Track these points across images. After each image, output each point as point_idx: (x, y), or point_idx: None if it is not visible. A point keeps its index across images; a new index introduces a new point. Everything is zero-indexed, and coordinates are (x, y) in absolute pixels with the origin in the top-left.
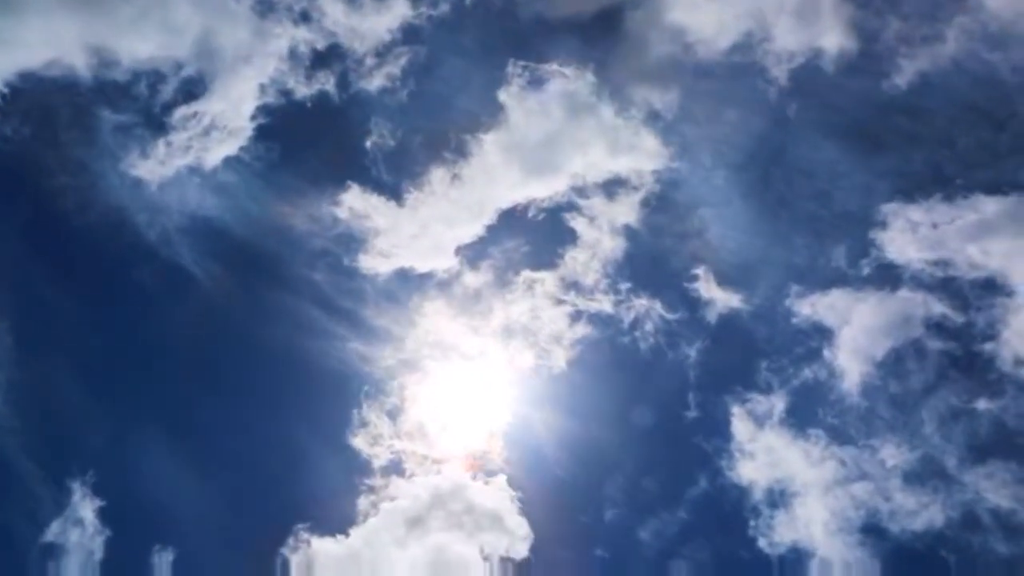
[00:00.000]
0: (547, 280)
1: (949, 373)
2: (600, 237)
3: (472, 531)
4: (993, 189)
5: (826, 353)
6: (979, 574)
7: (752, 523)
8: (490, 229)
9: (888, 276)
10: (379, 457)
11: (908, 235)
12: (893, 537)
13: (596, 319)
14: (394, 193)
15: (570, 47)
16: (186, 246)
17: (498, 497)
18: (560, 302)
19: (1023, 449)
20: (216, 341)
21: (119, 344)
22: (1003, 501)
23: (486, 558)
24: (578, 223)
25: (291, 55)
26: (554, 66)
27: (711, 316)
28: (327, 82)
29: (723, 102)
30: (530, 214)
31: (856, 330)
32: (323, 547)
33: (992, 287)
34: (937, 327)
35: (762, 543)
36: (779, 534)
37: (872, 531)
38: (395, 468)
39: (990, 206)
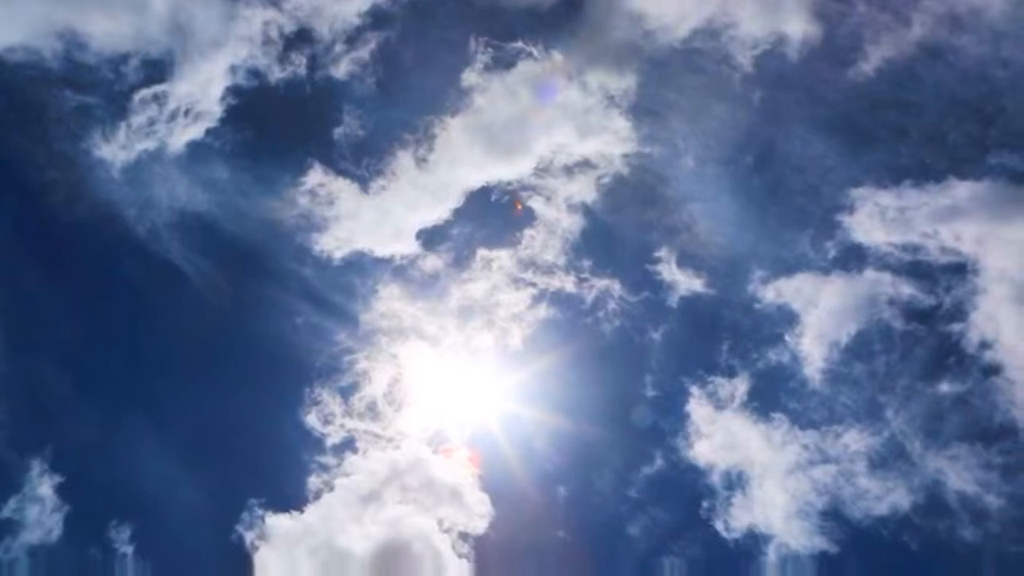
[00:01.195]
0: (506, 260)
1: (914, 357)
2: (562, 218)
3: (430, 507)
4: (964, 174)
5: (790, 337)
6: (944, 560)
7: (706, 504)
8: (454, 212)
9: (854, 259)
10: (334, 435)
11: (876, 219)
12: (855, 522)
13: (556, 299)
14: (358, 176)
15: (537, 30)
16: (146, 224)
17: (458, 473)
18: (519, 282)
19: (988, 433)
20: (173, 319)
21: (70, 314)
22: (968, 486)
23: (445, 531)
24: (540, 205)
25: (261, 37)
26: (519, 44)
27: (673, 298)
28: (296, 65)
29: (690, 87)
30: (493, 197)
31: (821, 314)
32: (278, 523)
33: (960, 270)
34: (903, 311)
35: (719, 525)
36: (737, 517)
37: (833, 516)
38: (351, 446)
39: (961, 191)
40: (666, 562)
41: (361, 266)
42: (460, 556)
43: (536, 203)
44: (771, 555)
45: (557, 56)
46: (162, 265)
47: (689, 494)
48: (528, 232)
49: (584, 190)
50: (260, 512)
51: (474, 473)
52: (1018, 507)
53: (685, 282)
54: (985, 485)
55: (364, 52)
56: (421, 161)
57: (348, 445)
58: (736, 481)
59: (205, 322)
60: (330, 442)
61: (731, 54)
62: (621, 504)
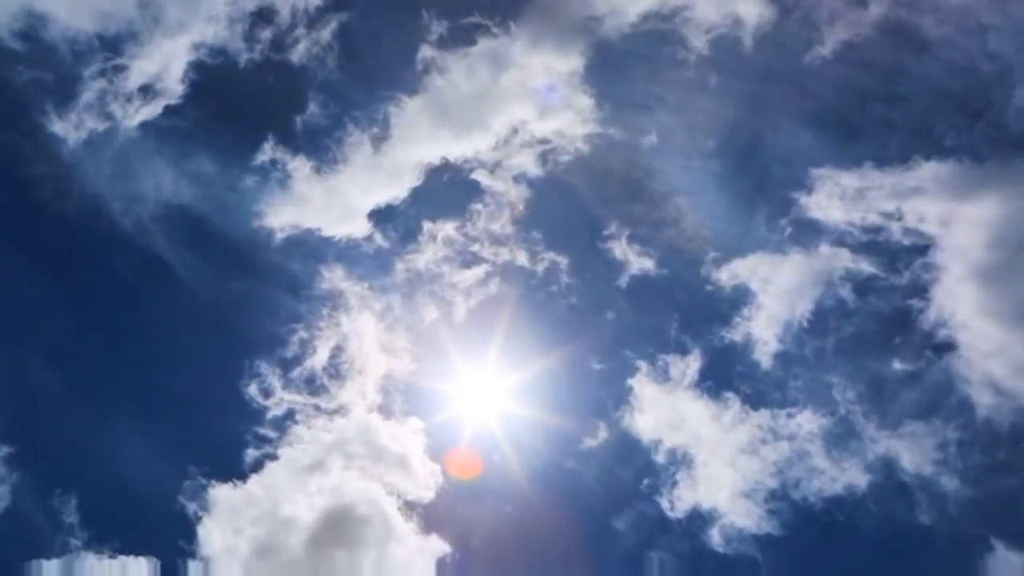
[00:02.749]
0: (456, 235)
1: (869, 337)
2: (515, 194)
3: (377, 475)
4: (927, 154)
5: (743, 316)
6: (898, 541)
7: (648, 481)
8: (407, 190)
9: (810, 238)
10: (278, 406)
11: (834, 199)
12: (806, 503)
13: (506, 273)
14: (313, 155)
15: (496, 7)
16: (101, 199)
17: (405, 442)
18: (469, 256)
19: (943, 412)
20: (119, 293)
21: None
22: (924, 467)
23: (392, 497)
24: (493, 180)
25: (224, 16)
26: (477, 19)
27: (624, 277)
28: (257, 43)
29: (649, 66)
30: (446, 176)
31: (774, 293)
32: (222, 493)
33: (918, 249)
34: (859, 289)
35: (663, 503)
36: (681, 495)
37: (783, 496)
38: (295, 416)
39: (922, 171)
40: (607, 535)
41: (311, 244)
42: (407, 522)
43: (489, 179)
44: (716, 534)
45: (516, 31)
46: (110, 234)
47: (633, 470)
48: (481, 208)
49: (540, 167)
50: (203, 482)
51: (420, 442)
52: (974, 488)
53: (638, 262)
54: (941, 465)
55: (325, 32)
56: (378, 140)
57: (292, 415)
58: (682, 459)
59: (150, 292)
60: (274, 413)
61: (686, 37)
62: (563, 476)
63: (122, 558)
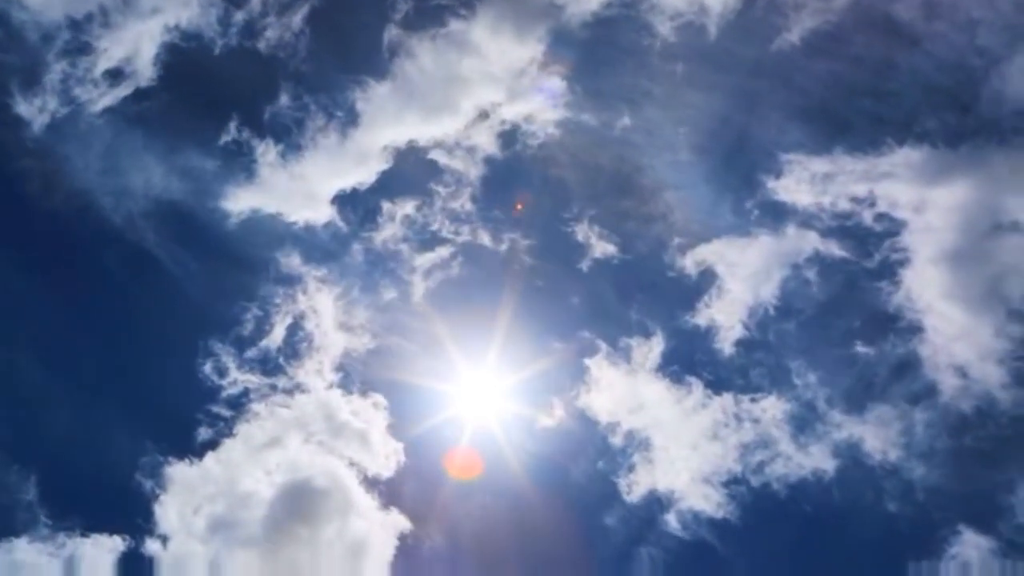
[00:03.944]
0: (419, 216)
1: (835, 321)
2: (480, 176)
3: (337, 451)
4: (900, 140)
5: (708, 300)
6: (863, 526)
7: (603, 463)
8: (372, 172)
9: (777, 222)
10: (236, 384)
11: (803, 184)
12: (769, 489)
13: (468, 253)
14: (282, 140)
15: None
16: (60, 180)
17: (365, 418)
18: (431, 237)
19: (909, 396)
20: (83, 271)
21: None
22: (890, 452)
23: (353, 473)
24: (459, 164)
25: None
26: (443, 0)
27: (587, 260)
28: (229, 28)
29: (616, 52)
30: (413, 160)
31: (740, 277)
32: (179, 470)
33: (886, 234)
34: (824, 274)
35: (620, 486)
36: (639, 479)
37: (744, 482)
38: (253, 394)
39: (894, 156)
40: (562, 512)
41: (273, 228)
42: (368, 496)
43: (454, 161)
44: (673, 521)
45: (481, 13)
46: (82, 214)
47: (589, 451)
48: (444, 189)
49: (506, 151)
50: (160, 459)
51: (382, 418)
52: (941, 473)
53: (602, 246)
54: (906, 449)
55: (296, 17)
56: (346, 124)
57: (250, 393)
58: (640, 442)
59: (112, 272)
60: (231, 391)
61: (651, 23)
62: (520, 454)
63: (95, 536)
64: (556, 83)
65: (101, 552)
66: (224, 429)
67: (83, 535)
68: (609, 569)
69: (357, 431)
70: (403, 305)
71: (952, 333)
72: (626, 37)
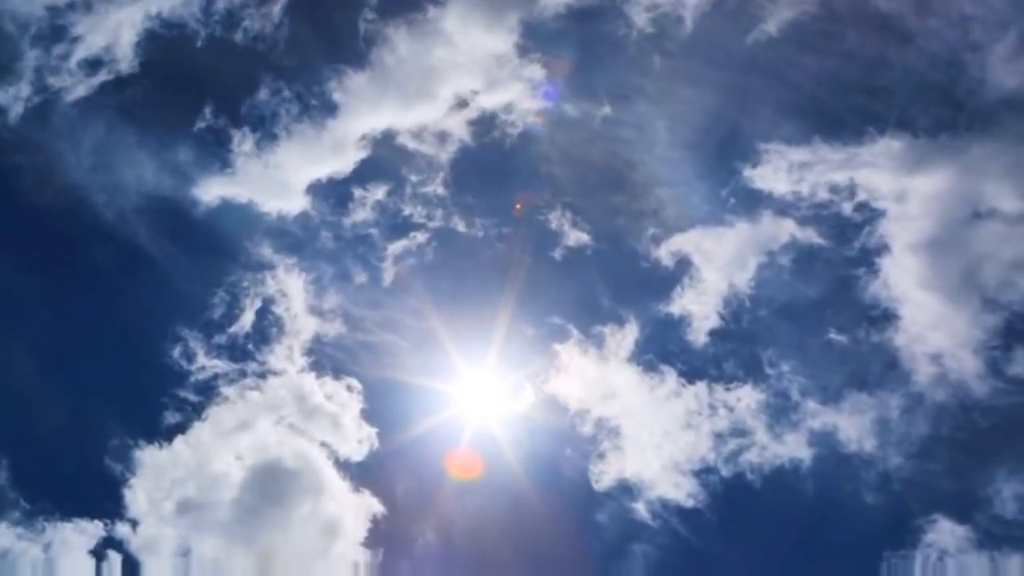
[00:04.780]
0: (389, 202)
1: (811, 309)
2: (452, 164)
3: (309, 434)
4: (881, 128)
5: (683, 288)
6: (838, 515)
7: (572, 451)
8: (350, 164)
9: (755, 210)
10: (206, 369)
11: (781, 172)
12: (742, 478)
13: (440, 239)
14: (257, 130)
15: None
16: (37, 167)
17: (338, 402)
18: (403, 223)
19: (885, 384)
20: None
21: None
22: (865, 441)
23: (321, 446)
24: (433, 152)
25: None
26: None
27: (560, 248)
28: (209, 16)
29: (594, 42)
30: (388, 150)
31: (716, 265)
32: (148, 454)
33: (863, 222)
34: (801, 262)
35: (590, 474)
36: (609, 467)
37: (716, 471)
38: (224, 377)
39: (875, 146)
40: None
41: (248, 214)
42: (341, 479)
43: (429, 149)
44: (643, 510)
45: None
46: (57, 199)
47: (560, 440)
48: (418, 177)
49: (482, 139)
50: (130, 442)
51: (356, 401)
52: (916, 462)
53: (575, 235)
54: (882, 438)
55: (276, 7)
56: (324, 114)
57: (221, 377)
58: (611, 430)
59: (84, 259)
60: (203, 375)
61: (628, 14)
62: (486, 439)
63: (73, 520)
64: (538, 72)
65: (78, 537)
66: (199, 412)
67: (63, 519)
68: (577, 557)
69: (329, 414)
70: (375, 290)
71: (928, 322)
72: (603, 27)
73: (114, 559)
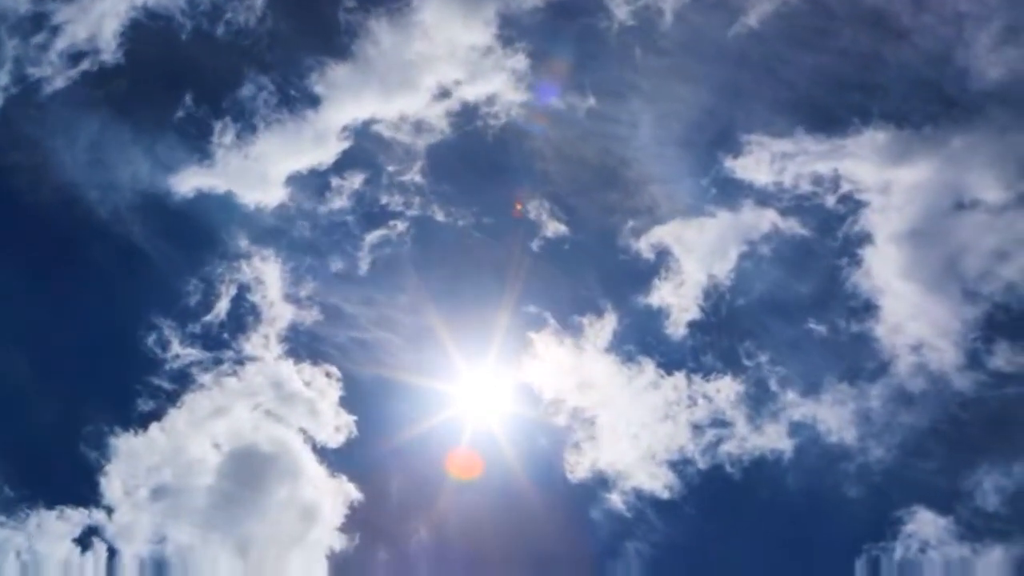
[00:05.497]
0: (368, 191)
1: (792, 300)
2: (433, 154)
3: (287, 422)
4: (865, 120)
5: (662, 279)
6: (816, 506)
7: (548, 442)
8: (331, 155)
9: (733, 202)
10: (182, 357)
11: (763, 164)
12: (720, 469)
13: (418, 228)
14: (239, 121)
15: None
16: (15, 154)
17: (317, 387)
18: (381, 212)
19: (865, 375)
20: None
21: None
22: (845, 433)
23: (299, 432)
24: (414, 142)
25: None
26: None
27: (539, 239)
28: (193, 8)
29: (579, 35)
30: (368, 140)
31: (696, 257)
32: (125, 441)
33: (845, 213)
34: (782, 253)
35: (566, 465)
36: (586, 458)
37: (694, 462)
38: (201, 364)
39: (858, 137)
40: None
41: (227, 204)
42: (319, 465)
43: (410, 139)
44: (616, 499)
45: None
46: (32, 186)
47: (538, 431)
48: (398, 167)
49: (463, 129)
50: (106, 429)
51: (333, 388)
52: (896, 452)
53: (553, 226)
54: (862, 429)
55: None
56: (306, 105)
57: (199, 364)
58: (589, 421)
59: (60, 247)
60: (179, 363)
61: (607, 5)
62: (463, 430)
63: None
64: (521, 63)
65: (63, 526)
66: (176, 399)
67: (47, 507)
68: (549, 546)
69: (307, 401)
70: (352, 279)
71: (910, 313)
72: (584, 20)
73: (99, 548)
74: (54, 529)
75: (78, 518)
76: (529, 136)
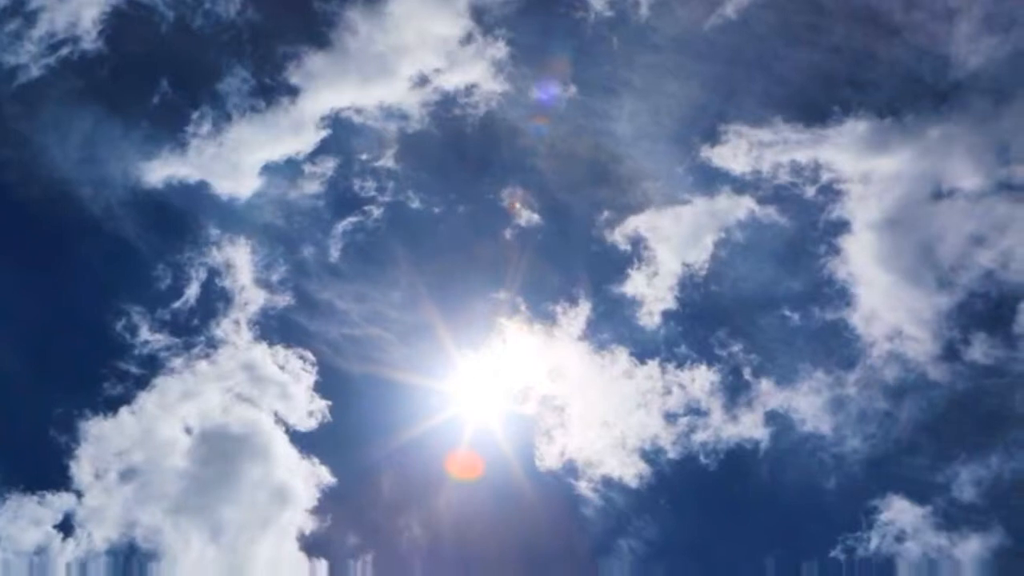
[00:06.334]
0: (338, 177)
1: (766, 288)
2: (408, 143)
3: (260, 404)
4: (845, 109)
5: (636, 268)
6: (790, 495)
7: (520, 432)
8: (305, 144)
9: (710, 190)
10: (154, 342)
11: (740, 152)
12: (691, 458)
13: (392, 214)
14: (216, 110)
15: None
16: None
17: (290, 371)
18: (354, 199)
19: (840, 363)
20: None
21: None
22: (820, 421)
23: (271, 415)
24: (390, 130)
25: None
26: None
27: (513, 228)
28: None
29: (558, 24)
30: (343, 129)
31: (671, 246)
32: (96, 425)
33: (823, 201)
34: (756, 240)
35: (538, 453)
36: (556, 447)
37: (665, 451)
38: (173, 349)
39: (838, 127)
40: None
41: (204, 194)
42: (291, 447)
43: (385, 127)
44: (582, 488)
45: None
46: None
47: (509, 419)
48: (373, 154)
49: (439, 118)
50: (76, 413)
51: (307, 373)
52: (871, 441)
53: (528, 216)
54: (836, 417)
55: None
56: (285, 95)
57: (170, 349)
58: (560, 410)
59: (33, 233)
60: (149, 348)
61: None
62: (435, 413)
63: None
64: (501, 51)
65: (43, 511)
66: (146, 383)
67: (26, 493)
68: (520, 537)
69: (279, 384)
70: (325, 264)
71: (886, 302)
72: (560, 10)
73: (80, 534)
74: (38, 515)
75: (64, 504)
76: (508, 126)
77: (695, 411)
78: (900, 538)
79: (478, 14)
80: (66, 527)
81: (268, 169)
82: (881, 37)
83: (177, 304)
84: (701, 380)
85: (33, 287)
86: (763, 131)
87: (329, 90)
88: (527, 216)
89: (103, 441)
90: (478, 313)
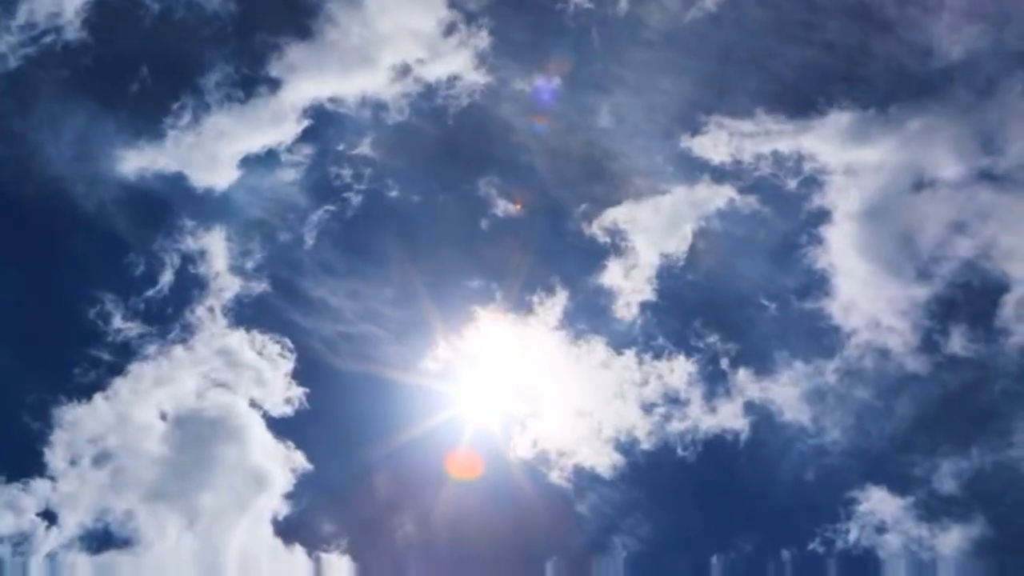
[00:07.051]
0: (317, 166)
1: (745, 278)
2: (388, 133)
3: (236, 390)
4: (829, 102)
5: (614, 258)
6: (769, 486)
7: (499, 423)
8: (285, 135)
9: (690, 180)
10: (127, 329)
11: (721, 144)
12: (669, 449)
13: (367, 202)
14: (197, 101)
15: None
16: None
17: (267, 357)
18: (330, 187)
19: (819, 354)
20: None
21: None
22: (800, 412)
23: (252, 405)
24: (369, 119)
25: None
26: None
27: (488, 219)
28: None
29: (532, 15)
30: (323, 119)
31: (649, 235)
32: (67, 412)
33: (805, 192)
34: (735, 229)
35: (514, 444)
36: (533, 438)
37: (641, 442)
38: (147, 336)
39: (821, 118)
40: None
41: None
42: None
43: (365, 116)
44: (553, 478)
45: None
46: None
47: (484, 407)
48: (352, 143)
49: (419, 108)
50: (49, 399)
51: (284, 359)
52: (851, 432)
53: (505, 207)
54: (816, 408)
55: None
56: (269, 85)
57: (145, 336)
58: (538, 401)
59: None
60: (123, 336)
61: None
62: (406, 400)
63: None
64: (484, 41)
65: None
66: (117, 369)
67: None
68: (495, 529)
69: (255, 371)
70: (302, 251)
71: (865, 292)
72: (540, 1)
73: (65, 523)
74: (21, 503)
75: (46, 491)
76: (490, 117)
77: (673, 401)
78: (880, 529)
79: (460, 4)
80: (49, 515)
81: (248, 160)
82: (866, 29)
83: (151, 292)
84: (679, 371)
85: (4, 274)
86: (745, 122)
87: (310, 81)
88: (504, 206)
89: (77, 427)
90: (454, 300)
